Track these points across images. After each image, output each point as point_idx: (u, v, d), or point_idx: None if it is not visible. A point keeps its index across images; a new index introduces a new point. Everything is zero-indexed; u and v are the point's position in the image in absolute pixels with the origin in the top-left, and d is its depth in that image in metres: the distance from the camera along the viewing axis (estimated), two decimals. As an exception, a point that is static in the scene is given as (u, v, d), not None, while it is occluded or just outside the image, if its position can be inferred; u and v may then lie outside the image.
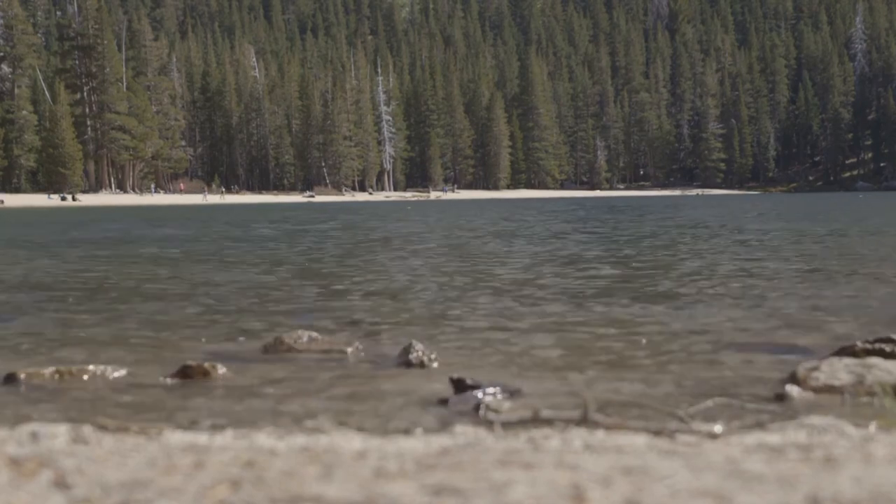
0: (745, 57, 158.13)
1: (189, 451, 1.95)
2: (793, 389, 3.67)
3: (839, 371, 3.74)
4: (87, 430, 2.17)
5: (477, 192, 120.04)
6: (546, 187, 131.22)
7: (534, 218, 29.59)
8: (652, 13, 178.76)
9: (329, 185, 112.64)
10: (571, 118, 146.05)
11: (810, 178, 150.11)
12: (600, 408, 3.22)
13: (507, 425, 2.88)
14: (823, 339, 5.09)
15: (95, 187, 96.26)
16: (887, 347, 4.14)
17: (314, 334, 5.06)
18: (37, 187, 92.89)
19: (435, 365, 4.44)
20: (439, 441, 2.08)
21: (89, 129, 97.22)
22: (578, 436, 2.14)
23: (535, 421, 2.99)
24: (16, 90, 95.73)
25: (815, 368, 3.80)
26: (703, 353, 4.75)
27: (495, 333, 5.48)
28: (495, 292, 7.80)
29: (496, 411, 3.36)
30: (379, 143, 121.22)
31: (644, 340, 5.15)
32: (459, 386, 3.78)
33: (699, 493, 1.60)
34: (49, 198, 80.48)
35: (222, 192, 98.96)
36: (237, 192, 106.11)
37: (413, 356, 4.51)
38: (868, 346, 4.20)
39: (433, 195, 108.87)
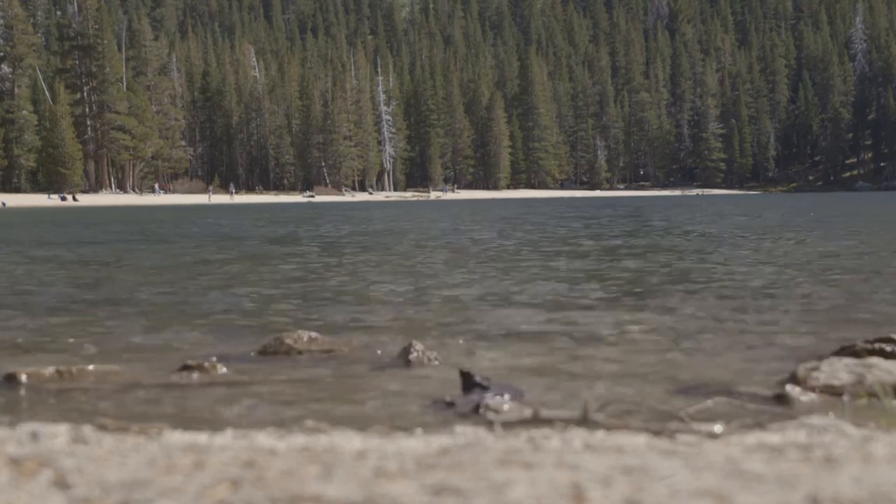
0: (745, 57, 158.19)
1: (189, 451, 1.95)
2: (793, 389, 3.67)
3: (839, 371, 3.73)
4: (87, 429, 2.17)
5: (477, 191, 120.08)
6: (546, 187, 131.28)
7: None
8: (652, 13, 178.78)
9: (329, 185, 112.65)
10: (571, 118, 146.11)
11: (810, 177, 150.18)
12: (600, 408, 3.22)
13: (507, 425, 2.88)
14: (823, 339, 5.08)
15: (95, 187, 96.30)
16: (887, 347, 4.13)
17: (314, 334, 5.06)
18: (36, 187, 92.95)
19: (435, 364, 4.44)
20: (439, 441, 2.08)
21: (89, 129, 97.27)
22: (578, 436, 2.14)
23: (536, 421, 2.99)
24: (16, 90, 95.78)
25: (815, 368, 3.80)
26: (704, 352, 4.75)
27: (495, 333, 5.48)
28: (496, 292, 7.80)
29: (496, 411, 3.36)
30: (379, 143, 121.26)
31: (644, 340, 5.15)
32: (467, 380, 3.77)
33: (699, 493, 1.59)
34: (49, 198, 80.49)
35: (232, 193, 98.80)
36: (241, 192, 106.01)
37: (413, 356, 4.51)
38: (868, 345, 4.19)
39: (433, 195, 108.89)
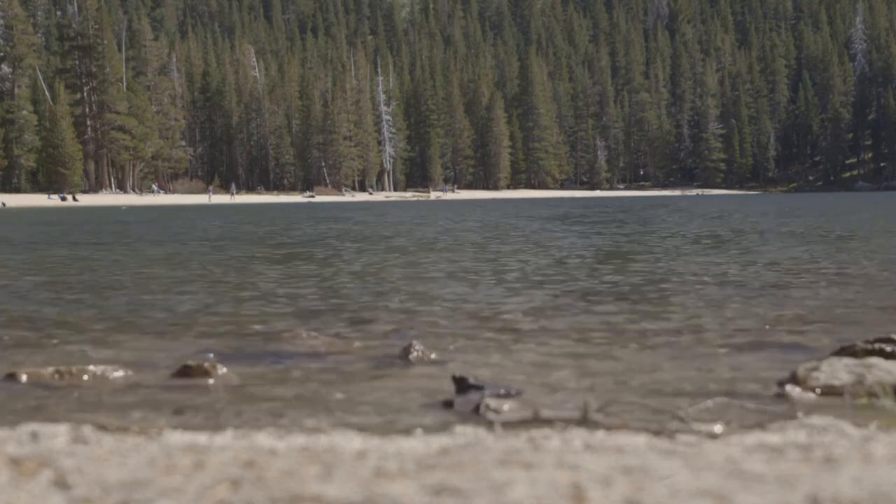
0: (745, 57, 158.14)
1: (189, 451, 1.95)
2: (793, 389, 3.67)
3: (839, 371, 3.73)
4: (87, 430, 2.17)
5: (477, 192, 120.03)
6: (546, 187, 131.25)
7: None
8: (652, 13, 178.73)
9: (329, 185, 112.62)
10: (571, 118, 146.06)
11: (810, 178, 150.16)
12: (600, 408, 3.22)
13: (508, 425, 2.89)
14: (823, 339, 5.08)
15: (95, 187, 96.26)
16: (887, 347, 4.13)
17: (314, 334, 5.06)
18: (37, 187, 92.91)
19: (435, 364, 4.44)
20: (439, 441, 2.07)
21: (89, 129, 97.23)
22: (578, 436, 2.14)
23: (536, 421, 2.99)
24: (16, 90, 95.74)
25: (815, 368, 3.80)
26: (704, 352, 4.75)
27: (495, 333, 5.48)
28: (496, 293, 7.80)
29: (496, 411, 3.36)
30: (379, 143, 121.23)
31: (643, 340, 5.15)
32: (461, 385, 3.77)
33: (699, 493, 1.60)
34: (49, 198, 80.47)
35: (233, 193, 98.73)
36: (241, 192, 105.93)
37: (413, 356, 4.51)
38: (868, 346, 4.19)
39: (433, 195, 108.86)
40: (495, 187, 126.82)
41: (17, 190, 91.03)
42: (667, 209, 42.03)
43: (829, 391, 3.65)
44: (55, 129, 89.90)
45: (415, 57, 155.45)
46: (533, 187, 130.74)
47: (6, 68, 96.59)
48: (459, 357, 4.67)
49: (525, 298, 7.33)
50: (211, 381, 4.12)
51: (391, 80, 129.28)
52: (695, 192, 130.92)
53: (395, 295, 7.73)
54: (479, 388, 3.75)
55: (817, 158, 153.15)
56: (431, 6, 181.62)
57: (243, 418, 3.39)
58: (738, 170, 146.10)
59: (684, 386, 3.91)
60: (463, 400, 3.63)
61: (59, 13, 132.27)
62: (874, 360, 3.85)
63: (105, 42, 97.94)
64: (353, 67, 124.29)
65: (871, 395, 3.54)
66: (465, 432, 2.17)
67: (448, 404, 3.59)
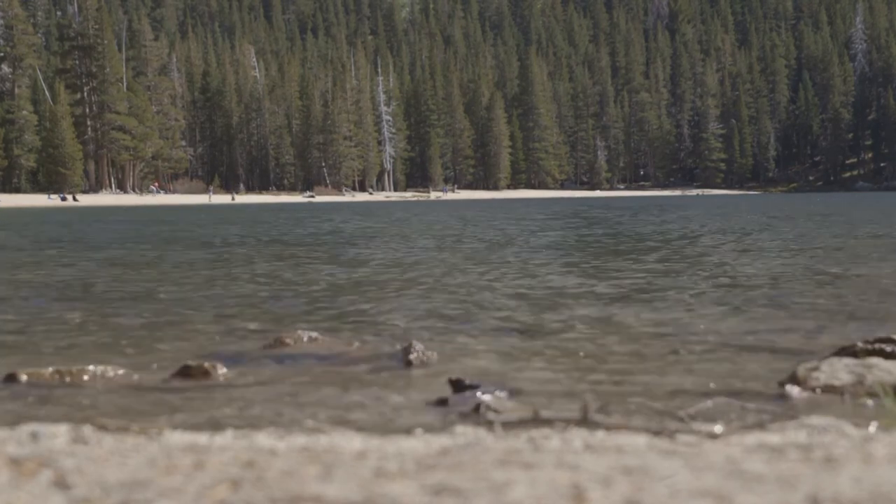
0: (745, 57, 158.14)
1: (189, 451, 1.94)
2: (793, 389, 3.67)
3: (839, 371, 3.73)
4: (87, 430, 2.16)
5: (477, 192, 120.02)
6: (546, 187, 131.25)
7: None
8: (652, 13, 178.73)
9: (329, 185, 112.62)
10: (571, 118, 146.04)
11: (810, 178, 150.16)
12: (601, 408, 3.22)
13: (508, 425, 2.88)
14: (823, 339, 5.08)
15: (95, 187, 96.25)
16: (887, 347, 4.13)
17: (314, 334, 5.06)
18: (37, 187, 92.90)
19: (435, 364, 4.44)
20: (439, 441, 2.07)
21: (89, 129, 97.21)
22: (578, 436, 2.14)
23: (536, 421, 2.99)
24: (16, 90, 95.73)
25: (815, 368, 3.80)
26: (703, 353, 4.75)
27: (496, 333, 5.48)
28: (495, 293, 7.80)
29: (496, 411, 3.35)
30: (379, 143, 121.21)
31: (643, 340, 5.15)
32: (458, 387, 3.78)
33: (699, 493, 1.60)
34: (49, 198, 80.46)
35: (234, 194, 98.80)
36: (241, 192, 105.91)
37: (413, 356, 4.51)
38: (868, 346, 4.19)
39: (433, 195, 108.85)
40: (495, 187, 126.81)
41: (17, 190, 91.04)
42: (684, 210, 42.00)
43: (829, 391, 3.65)
44: (55, 129, 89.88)
45: (415, 57, 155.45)
46: (533, 187, 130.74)
47: (6, 68, 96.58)
48: (460, 357, 4.67)
49: (526, 299, 7.32)
50: (211, 381, 4.12)
51: (391, 80, 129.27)
52: (695, 192, 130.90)
53: (395, 295, 7.72)
54: (475, 386, 3.75)
55: (817, 158, 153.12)
56: (431, 6, 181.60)
57: (243, 418, 3.39)
58: (738, 170, 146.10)
59: (684, 386, 3.91)
60: (461, 400, 3.63)
61: (59, 13, 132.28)
62: (874, 360, 3.85)
63: (105, 42, 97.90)
64: (353, 67, 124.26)
65: (871, 395, 3.54)
66: (465, 432, 2.17)
67: (449, 404, 3.58)
